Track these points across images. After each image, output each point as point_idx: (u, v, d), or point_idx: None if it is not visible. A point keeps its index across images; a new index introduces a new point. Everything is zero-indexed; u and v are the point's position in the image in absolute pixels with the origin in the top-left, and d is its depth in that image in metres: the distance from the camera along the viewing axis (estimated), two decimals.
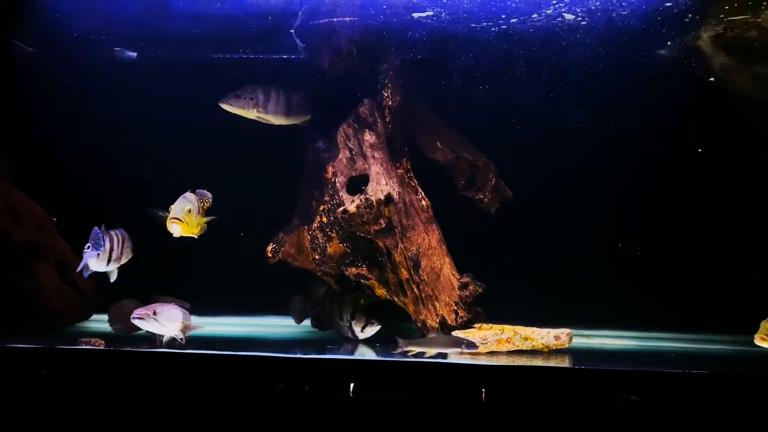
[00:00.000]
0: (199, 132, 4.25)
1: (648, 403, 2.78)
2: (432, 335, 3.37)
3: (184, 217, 3.29)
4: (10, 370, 3.07)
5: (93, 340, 3.38)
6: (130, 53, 4.35)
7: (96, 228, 3.39)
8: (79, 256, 3.97)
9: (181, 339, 3.25)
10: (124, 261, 3.59)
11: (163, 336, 3.26)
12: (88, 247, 3.37)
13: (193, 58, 4.34)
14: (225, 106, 3.94)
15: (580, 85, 4.00)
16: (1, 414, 3.02)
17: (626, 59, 3.96)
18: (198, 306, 4.44)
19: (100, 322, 4.25)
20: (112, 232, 3.50)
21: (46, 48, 4.29)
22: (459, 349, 3.22)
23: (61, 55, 4.28)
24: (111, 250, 3.45)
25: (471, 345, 3.27)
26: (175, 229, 3.30)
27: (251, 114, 3.97)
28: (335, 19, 3.86)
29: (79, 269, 3.42)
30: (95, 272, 3.49)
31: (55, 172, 4.21)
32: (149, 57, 4.37)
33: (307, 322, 4.12)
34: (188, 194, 3.42)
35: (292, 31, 4.00)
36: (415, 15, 3.82)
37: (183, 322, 3.32)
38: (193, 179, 3.55)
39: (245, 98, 3.93)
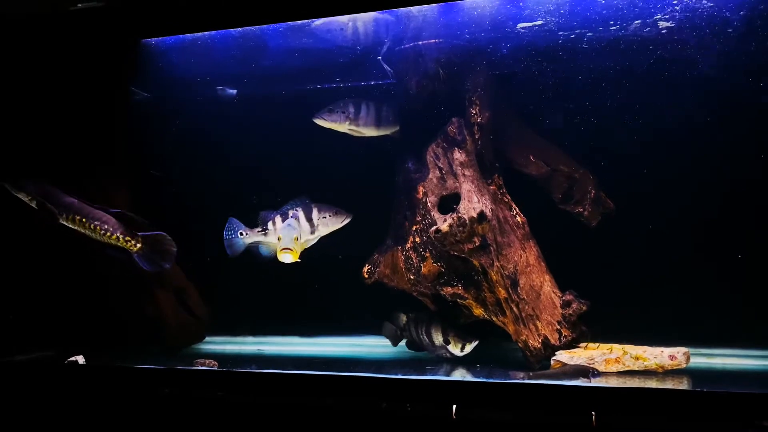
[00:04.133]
0: (298, 159, 4.45)
1: None
2: (555, 368, 3.29)
3: (294, 245, 3.44)
4: (137, 388, 3.36)
5: (207, 361, 3.61)
6: (231, 91, 4.66)
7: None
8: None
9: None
10: (324, 231, 3.82)
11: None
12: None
13: (288, 91, 4.57)
14: (319, 121, 4.08)
15: (690, 87, 3.74)
16: (130, 428, 3.31)
17: (740, 56, 3.66)
18: (300, 326, 4.62)
19: (213, 344, 4.55)
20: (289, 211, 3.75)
21: (159, 92, 4.70)
22: (587, 380, 3.09)
23: (171, 98, 4.68)
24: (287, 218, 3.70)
25: (597, 374, 3.14)
26: (287, 258, 3.47)
27: (343, 127, 4.09)
28: (421, 43, 3.92)
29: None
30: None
31: (170, 204, 4.57)
32: (248, 93, 4.66)
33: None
34: (291, 221, 3.57)
35: (380, 57, 4.11)
36: (521, 25, 3.76)
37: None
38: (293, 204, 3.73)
39: (337, 112, 4.07)
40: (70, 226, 3.59)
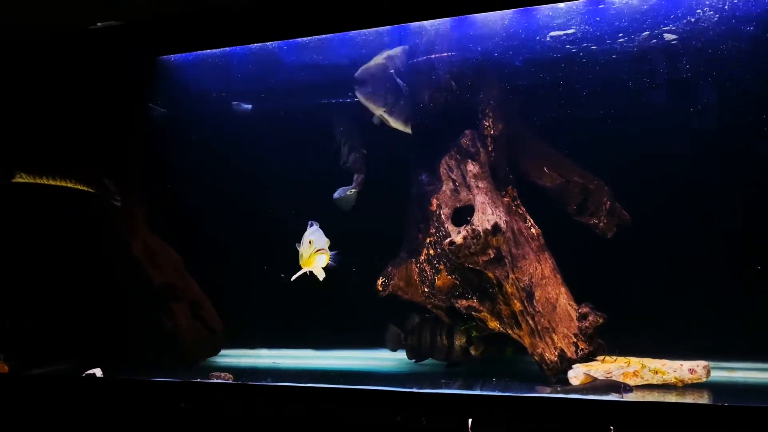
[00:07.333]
0: (313, 173, 4.49)
1: None
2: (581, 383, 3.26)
3: (326, 248, 3.36)
4: (153, 401, 3.38)
5: (223, 374, 3.62)
6: (246, 105, 4.73)
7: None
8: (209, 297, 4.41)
9: None
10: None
11: None
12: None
13: (302, 105, 4.62)
14: (359, 95, 3.99)
15: (711, 97, 3.73)
16: None
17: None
18: (314, 340, 4.62)
19: (227, 357, 4.56)
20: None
21: (176, 108, 4.78)
22: (618, 395, 3.02)
23: (188, 113, 4.75)
24: None
25: (629, 389, 3.06)
26: (323, 260, 3.33)
27: (378, 110, 4.00)
28: (433, 56, 3.95)
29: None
30: None
31: (186, 218, 4.62)
32: (263, 107, 4.72)
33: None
34: (317, 227, 3.50)
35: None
36: (552, 34, 3.74)
37: None
38: (312, 217, 3.73)
39: (380, 94, 3.95)
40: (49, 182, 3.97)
